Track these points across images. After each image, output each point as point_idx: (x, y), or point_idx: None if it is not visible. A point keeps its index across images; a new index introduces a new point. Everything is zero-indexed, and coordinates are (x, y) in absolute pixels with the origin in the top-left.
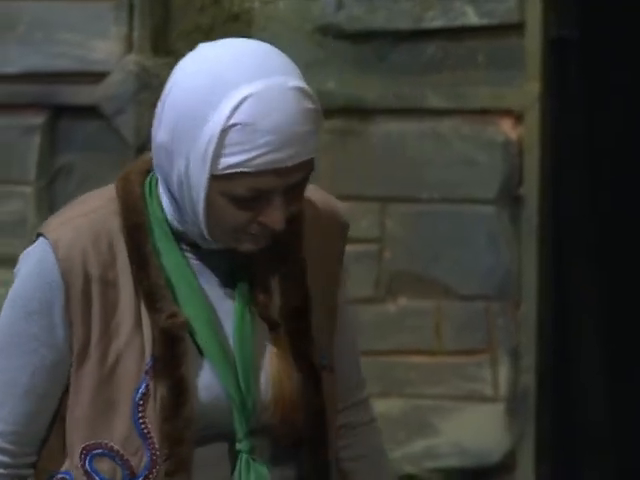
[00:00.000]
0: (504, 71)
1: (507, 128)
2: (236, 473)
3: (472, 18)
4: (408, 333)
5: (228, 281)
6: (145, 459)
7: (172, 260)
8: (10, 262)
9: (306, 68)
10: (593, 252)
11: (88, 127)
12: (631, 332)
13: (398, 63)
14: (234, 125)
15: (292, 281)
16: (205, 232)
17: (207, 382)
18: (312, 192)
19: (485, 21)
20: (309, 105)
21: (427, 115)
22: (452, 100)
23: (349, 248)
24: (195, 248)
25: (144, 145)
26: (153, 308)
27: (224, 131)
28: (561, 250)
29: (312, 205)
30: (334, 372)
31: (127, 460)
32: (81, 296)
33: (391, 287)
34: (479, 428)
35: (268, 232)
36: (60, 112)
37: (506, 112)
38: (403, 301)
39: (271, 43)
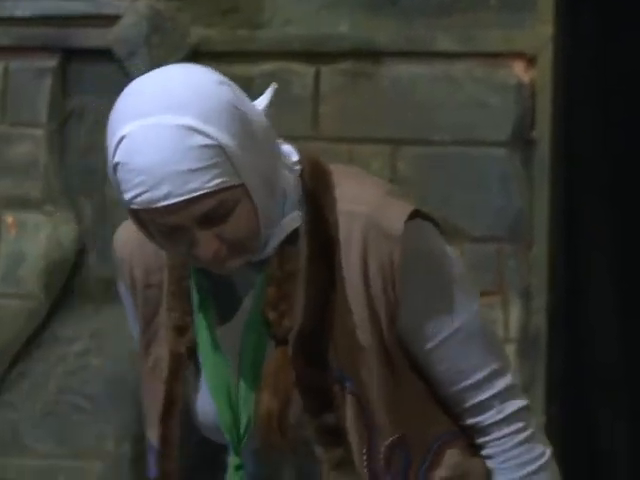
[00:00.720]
0: (516, 13)
1: (519, 70)
2: None
3: None
4: None
5: (247, 298)
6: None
7: (195, 277)
8: (22, 204)
9: (318, 11)
10: (606, 192)
11: (100, 70)
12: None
13: (410, 6)
14: (117, 164)
15: (310, 303)
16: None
17: (202, 402)
18: (353, 206)
19: None
20: (196, 143)
21: (438, 58)
22: (464, 43)
23: None
24: None
25: None
26: (167, 317)
27: (113, 169)
28: (573, 191)
29: (353, 222)
30: (362, 396)
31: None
32: (131, 292)
33: None
34: None
35: (223, 256)
36: (72, 55)
37: (518, 54)
38: None
39: None
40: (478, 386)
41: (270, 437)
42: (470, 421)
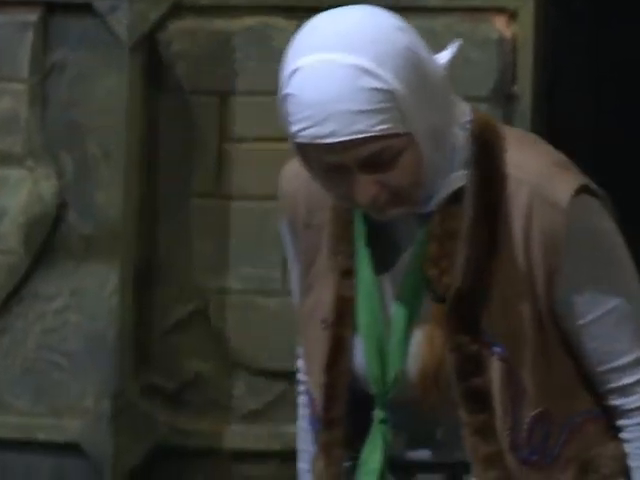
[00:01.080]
0: None
1: (501, 25)
2: (369, 438)
3: None
4: None
5: (409, 250)
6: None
7: (360, 221)
8: (2, 159)
9: None
10: (588, 151)
11: (81, 24)
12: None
13: None
14: (287, 95)
15: (470, 264)
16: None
17: (358, 347)
18: (522, 172)
19: None
20: (367, 84)
21: (420, 13)
22: None
23: None
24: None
25: (138, 43)
26: (333, 261)
27: (282, 100)
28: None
29: (520, 187)
30: (513, 364)
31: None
32: (292, 229)
33: None
34: None
35: (383, 202)
36: (53, 9)
37: (500, 9)
38: None
39: None
40: (623, 369)
41: (424, 394)
42: (613, 403)
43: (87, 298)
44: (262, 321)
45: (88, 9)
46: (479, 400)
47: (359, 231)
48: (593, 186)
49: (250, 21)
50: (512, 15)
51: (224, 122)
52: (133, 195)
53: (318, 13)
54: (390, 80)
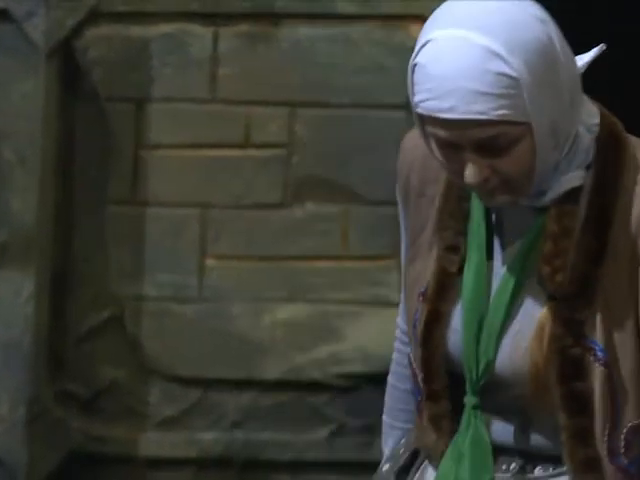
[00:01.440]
0: None
1: (417, 33)
2: (462, 426)
3: None
4: (315, 238)
5: (518, 241)
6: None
7: (476, 202)
8: None
9: None
10: None
11: None
12: None
13: None
14: (416, 64)
15: (579, 267)
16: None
17: (454, 326)
18: None
19: None
20: (494, 68)
21: (337, 20)
22: (362, 5)
23: (256, 153)
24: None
25: (55, 49)
26: (439, 235)
27: (411, 69)
28: None
29: (638, 198)
30: (614, 371)
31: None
32: (404, 198)
33: (298, 192)
34: (384, 334)
35: (492, 187)
36: None
37: (416, 17)
38: (310, 206)
39: None
40: None
41: (535, 391)
42: None
43: (2, 305)
44: (178, 328)
45: (4, 15)
46: (580, 404)
47: (476, 210)
48: None
49: (167, 28)
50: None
51: (140, 129)
52: (48, 201)
53: (235, 19)
54: (518, 67)
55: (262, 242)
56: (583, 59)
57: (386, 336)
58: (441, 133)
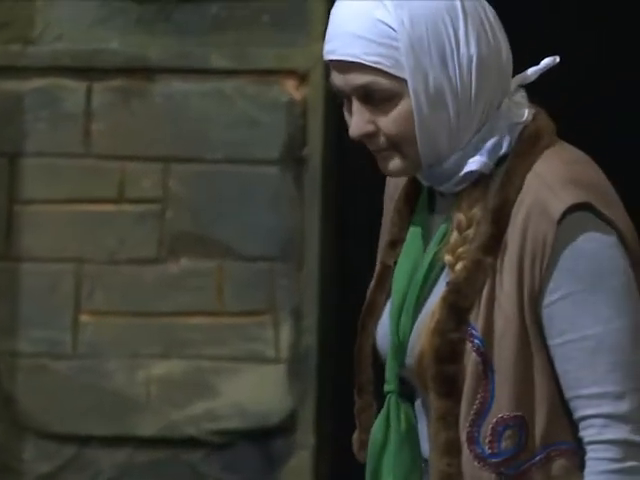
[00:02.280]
0: (288, 31)
1: (291, 88)
2: (383, 412)
3: None
4: (190, 294)
5: (440, 230)
6: None
7: (423, 196)
8: None
9: (90, 26)
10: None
11: None
12: None
13: (183, 22)
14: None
15: (476, 256)
16: None
17: (384, 317)
18: (537, 180)
19: None
20: (378, 15)
21: (211, 75)
22: (236, 60)
23: (130, 208)
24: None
25: None
26: (388, 232)
27: None
28: (345, 210)
29: (529, 192)
30: (489, 361)
31: None
32: (385, 202)
33: (173, 247)
34: (260, 389)
35: (381, 148)
36: None
37: (290, 72)
38: (185, 261)
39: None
40: (589, 399)
41: (419, 372)
42: (580, 434)
43: None
44: (52, 384)
45: None
46: (448, 387)
47: (420, 203)
48: (600, 209)
49: (40, 82)
50: (302, 78)
51: (13, 184)
52: None
53: (109, 74)
54: (399, 20)
55: (137, 297)
56: (534, 70)
57: (262, 392)
58: (334, 79)
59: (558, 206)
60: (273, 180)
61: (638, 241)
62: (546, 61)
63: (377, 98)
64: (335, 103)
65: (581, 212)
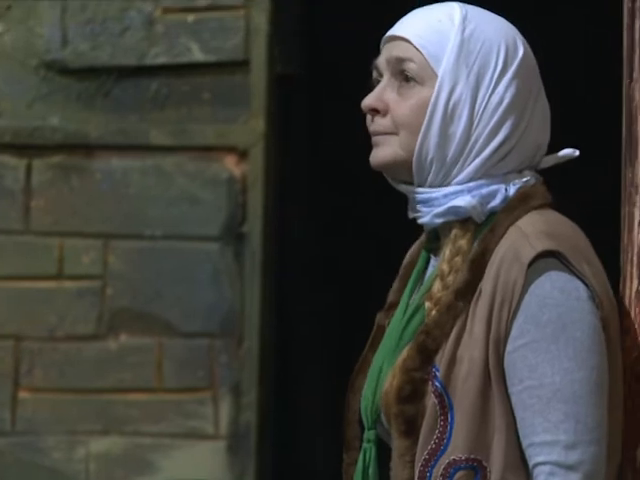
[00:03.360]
0: (229, 108)
1: (231, 165)
2: (360, 462)
3: (197, 54)
4: (129, 370)
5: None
6: None
7: (421, 258)
8: None
9: (30, 103)
10: (318, 288)
11: None
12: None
13: (122, 99)
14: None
15: (452, 300)
16: None
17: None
18: (516, 231)
19: (210, 58)
20: (442, 16)
21: (151, 152)
22: (176, 137)
23: (70, 285)
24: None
25: None
26: (394, 294)
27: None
28: (285, 286)
29: (506, 241)
30: (448, 403)
31: None
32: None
33: (112, 324)
34: (200, 466)
35: (378, 130)
36: None
37: (230, 149)
38: (124, 338)
39: None
40: (541, 447)
41: (384, 411)
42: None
43: None
44: None
45: None
46: (407, 426)
47: (420, 261)
48: (570, 259)
49: None
50: (242, 154)
51: None
52: None
53: (49, 151)
54: (463, 29)
55: (76, 374)
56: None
57: (201, 468)
58: (378, 59)
59: (530, 252)
60: (213, 256)
61: (613, 305)
62: (565, 152)
63: (406, 76)
64: (275, 179)
65: (552, 260)
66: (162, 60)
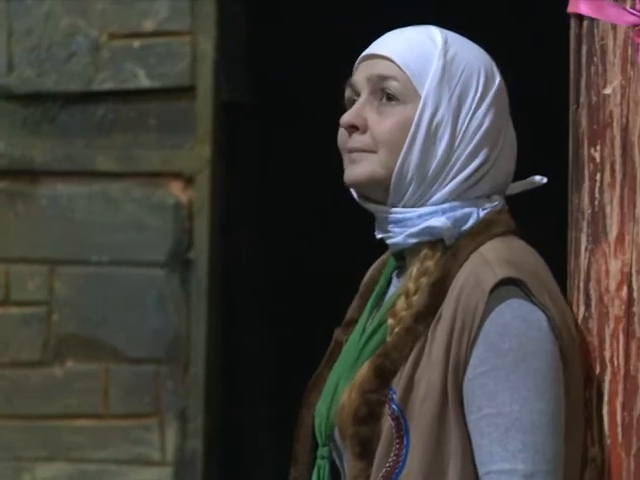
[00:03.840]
0: (175, 134)
1: (178, 191)
2: (314, 476)
3: (143, 81)
4: (75, 396)
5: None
6: None
7: (383, 277)
8: None
9: None
10: (266, 314)
11: None
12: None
13: (68, 124)
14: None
15: (411, 318)
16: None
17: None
18: (478, 257)
19: (156, 84)
20: (423, 38)
21: (97, 177)
22: (122, 163)
23: (15, 311)
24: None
25: None
26: (350, 311)
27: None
28: (232, 312)
29: (468, 267)
30: (405, 427)
31: None
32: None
33: (59, 350)
34: None
35: (356, 147)
36: None
37: (177, 175)
38: (71, 364)
39: None
40: (498, 476)
41: (339, 429)
42: None
43: None
44: None
45: None
46: (363, 447)
47: (382, 279)
48: (532, 288)
49: None
50: (188, 180)
51: None
52: None
53: None
54: (445, 52)
55: (22, 400)
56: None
57: None
58: (353, 77)
59: (492, 278)
60: (159, 282)
61: (572, 335)
62: (532, 179)
63: (387, 94)
64: (222, 205)
65: (514, 288)
66: (108, 86)
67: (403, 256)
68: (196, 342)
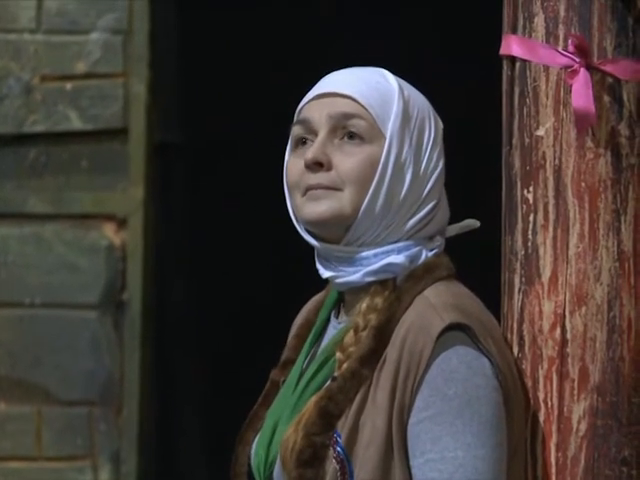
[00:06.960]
0: (108, 176)
1: (110, 233)
2: None
3: (75, 123)
4: (8, 439)
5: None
6: None
7: (320, 317)
8: None
9: None
10: (198, 355)
11: None
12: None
13: (0, 167)
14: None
15: (356, 361)
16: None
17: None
18: (422, 301)
19: (89, 126)
20: (384, 81)
21: (29, 219)
22: (54, 205)
23: None
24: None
25: None
26: (286, 352)
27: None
28: (166, 354)
29: (413, 311)
30: (348, 470)
31: None
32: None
33: None
34: None
35: (321, 184)
36: None
37: (109, 217)
38: (3, 406)
39: None
40: None
41: (285, 472)
42: None
43: None
44: None
45: None
46: None
47: (319, 320)
48: (479, 336)
49: None
50: (122, 222)
51: None
52: None
53: None
54: (401, 92)
55: None
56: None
57: None
58: (308, 112)
59: (439, 323)
60: (92, 324)
61: (514, 381)
62: (468, 222)
63: (349, 133)
64: (156, 247)
65: (460, 333)
66: (40, 128)
67: (342, 297)
68: (129, 384)
